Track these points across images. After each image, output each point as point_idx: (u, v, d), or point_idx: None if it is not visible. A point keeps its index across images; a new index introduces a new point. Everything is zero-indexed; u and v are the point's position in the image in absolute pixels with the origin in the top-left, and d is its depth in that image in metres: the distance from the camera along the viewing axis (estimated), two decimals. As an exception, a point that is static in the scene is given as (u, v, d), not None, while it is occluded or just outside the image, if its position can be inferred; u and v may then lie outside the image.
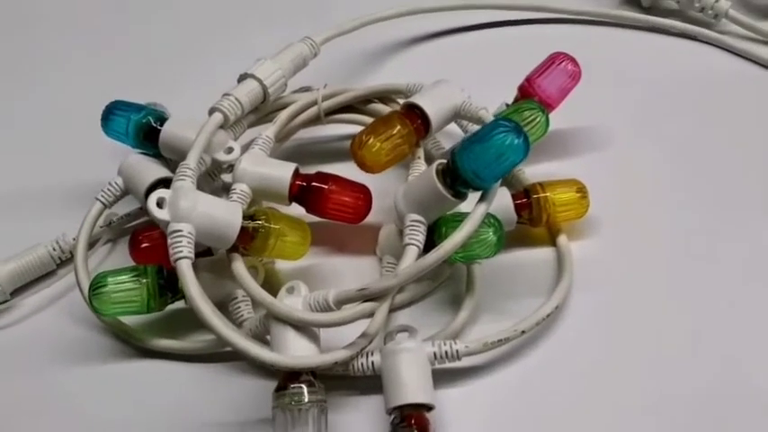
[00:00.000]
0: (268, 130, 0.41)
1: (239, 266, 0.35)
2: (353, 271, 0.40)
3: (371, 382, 0.34)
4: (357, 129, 0.44)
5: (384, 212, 0.40)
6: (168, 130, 0.40)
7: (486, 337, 0.35)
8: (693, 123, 0.46)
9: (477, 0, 0.52)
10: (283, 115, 0.42)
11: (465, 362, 0.35)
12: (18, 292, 0.41)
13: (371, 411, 0.34)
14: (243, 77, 0.41)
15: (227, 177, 0.40)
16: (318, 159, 0.45)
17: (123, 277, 0.36)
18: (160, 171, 0.40)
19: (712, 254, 0.39)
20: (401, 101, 0.43)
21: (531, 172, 0.42)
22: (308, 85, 0.45)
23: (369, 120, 0.43)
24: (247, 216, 0.36)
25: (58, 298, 0.41)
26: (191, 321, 0.36)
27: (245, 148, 0.40)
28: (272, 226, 0.36)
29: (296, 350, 0.33)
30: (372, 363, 0.34)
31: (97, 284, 0.35)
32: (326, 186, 0.39)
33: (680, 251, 0.40)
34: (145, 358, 0.38)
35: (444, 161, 0.35)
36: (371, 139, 0.36)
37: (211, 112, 0.39)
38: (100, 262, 0.42)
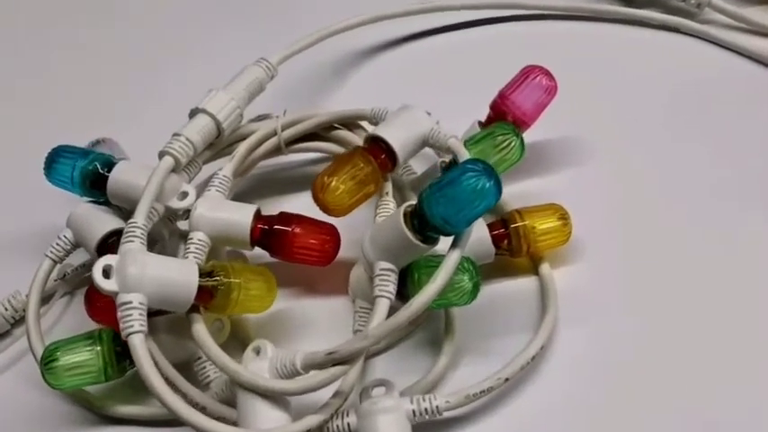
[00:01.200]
0: (225, 169, 0.38)
1: (199, 329, 0.32)
2: (326, 314, 0.38)
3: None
4: (321, 156, 0.42)
5: (354, 246, 0.37)
6: (116, 178, 0.37)
7: (467, 389, 0.32)
8: (680, 127, 0.43)
9: (443, 1, 0.48)
10: (241, 150, 0.39)
11: (446, 414, 0.33)
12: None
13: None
14: (194, 113, 0.38)
15: (183, 225, 0.37)
16: (281, 190, 0.42)
17: (76, 347, 0.33)
18: (111, 222, 0.37)
19: (709, 275, 0.37)
20: (366, 125, 0.40)
21: (508, 192, 0.38)
22: (267, 113, 0.41)
23: (332, 148, 0.40)
24: (205, 273, 0.33)
25: (14, 362, 0.38)
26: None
27: (202, 188, 0.38)
28: (232, 281, 0.33)
29: (265, 421, 0.30)
30: (348, 424, 0.32)
31: (49, 358, 0.33)
32: (290, 229, 0.36)
33: (673, 274, 0.37)
34: (109, 425, 0.35)
35: (412, 204, 0.32)
36: (333, 181, 0.34)
37: (161, 156, 0.36)
38: (57, 317, 0.39)
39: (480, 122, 0.39)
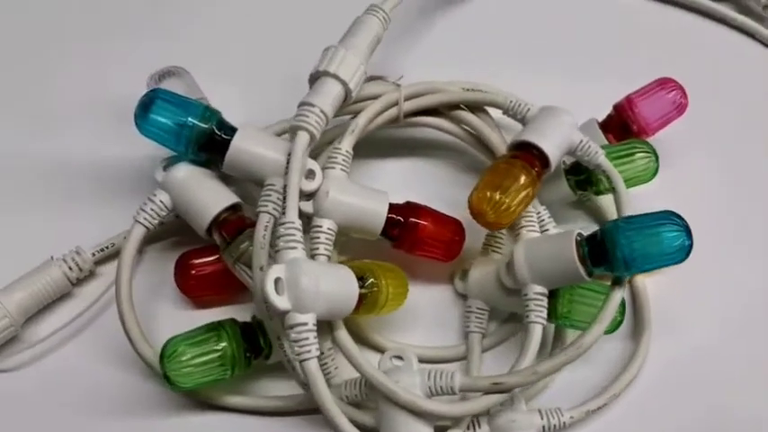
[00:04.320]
0: (345, 142, 0.34)
1: (344, 338, 0.30)
2: (428, 303, 0.37)
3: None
4: (434, 133, 0.39)
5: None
6: (239, 148, 0.32)
7: (587, 404, 0.34)
8: (749, 140, 0.44)
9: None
10: (361, 121, 0.35)
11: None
12: (29, 321, 0.33)
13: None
14: (320, 76, 0.33)
15: (303, 206, 0.33)
16: (378, 151, 0.39)
17: (201, 343, 0.30)
18: (227, 195, 0.32)
19: None
20: (491, 111, 0.37)
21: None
22: (381, 75, 0.37)
23: (453, 128, 0.37)
24: (358, 277, 0.31)
25: (82, 329, 0.34)
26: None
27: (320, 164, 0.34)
28: (382, 285, 0.31)
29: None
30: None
31: (172, 356, 0.30)
32: (426, 223, 0.34)
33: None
34: (206, 412, 0.33)
35: (581, 233, 0.32)
36: (498, 196, 0.31)
37: (294, 130, 0.31)
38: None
39: (599, 122, 0.38)
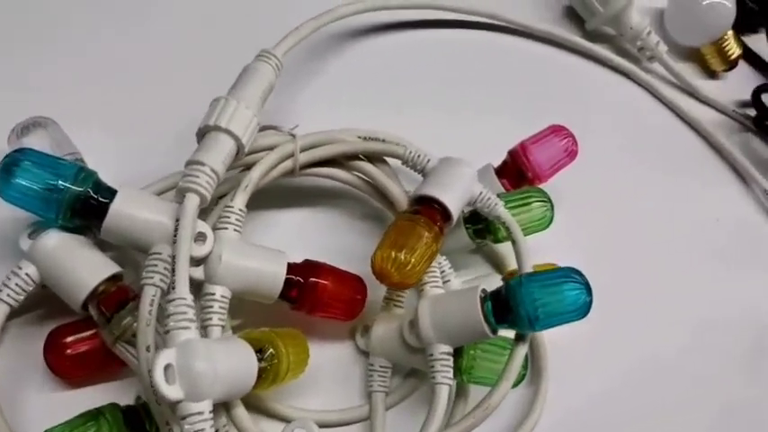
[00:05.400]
0: (237, 199, 0.32)
1: (243, 417, 0.28)
2: (329, 362, 0.35)
3: None
4: (331, 182, 0.37)
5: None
6: (120, 212, 0.29)
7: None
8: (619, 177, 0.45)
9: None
10: (255, 175, 0.33)
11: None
12: None
13: None
14: (208, 131, 0.30)
15: (195, 272, 0.30)
16: (270, 201, 0.37)
17: (79, 433, 0.27)
18: (105, 264, 0.29)
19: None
20: (388, 159, 0.36)
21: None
22: (274, 125, 0.35)
23: (350, 179, 0.36)
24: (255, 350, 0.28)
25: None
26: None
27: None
28: (282, 360, 0.29)
29: None
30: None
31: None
32: (326, 282, 0.32)
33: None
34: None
35: (485, 289, 0.31)
36: (403, 256, 0.30)
37: (182, 192, 0.29)
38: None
39: (494, 167, 0.38)
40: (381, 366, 0.34)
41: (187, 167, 0.29)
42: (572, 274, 0.30)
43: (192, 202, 0.29)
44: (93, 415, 0.28)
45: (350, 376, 0.35)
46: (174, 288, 0.27)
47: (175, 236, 0.28)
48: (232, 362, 0.27)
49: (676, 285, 0.41)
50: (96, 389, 0.31)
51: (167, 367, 0.25)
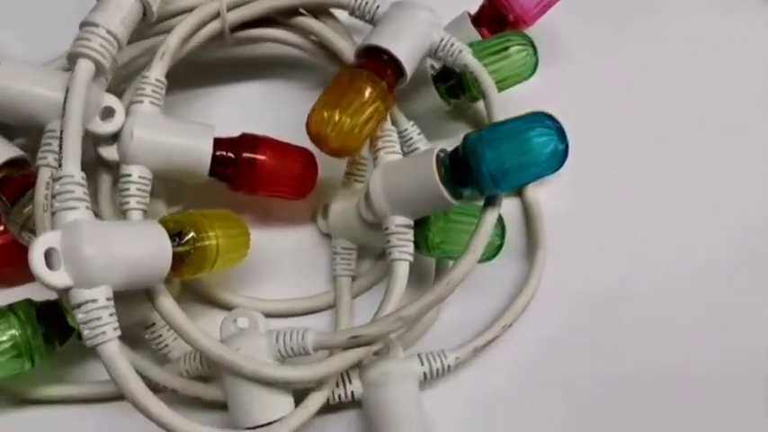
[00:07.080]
0: (154, 69, 0.28)
1: (167, 305, 0.25)
2: (289, 247, 0.32)
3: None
4: (272, 48, 0.32)
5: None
6: (2, 86, 0.25)
7: (473, 341, 0.30)
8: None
9: None
10: (173, 41, 0.28)
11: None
12: None
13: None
14: (107, -14, 0.26)
15: (107, 152, 0.27)
16: (217, 76, 0.33)
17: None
18: (5, 149, 0.26)
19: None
20: (337, 13, 0.31)
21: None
22: (196, -20, 0.30)
23: (294, 39, 0.31)
24: (173, 234, 0.25)
25: None
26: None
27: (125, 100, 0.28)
28: (207, 243, 0.26)
29: (270, 411, 0.25)
30: (352, 392, 0.28)
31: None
32: (262, 158, 0.28)
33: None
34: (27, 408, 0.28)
35: (442, 149, 0.26)
36: (338, 115, 0.26)
37: (74, 58, 0.25)
38: None
39: (470, 15, 0.33)
40: (344, 248, 0.31)
41: (80, 31, 0.25)
42: (540, 118, 0.25)
43: (84, 67, 0.25)
44: (3, 312, 0.25)
45: (315, 262, 0.32)
46: (60, 166, 0.23)
47: (64, 109, 0.24)
48: (134, 244, 0.23)
49: (685, 154, 0.35)
50: (20, 288, 0.29)
51: (50, 251, 0.22)
